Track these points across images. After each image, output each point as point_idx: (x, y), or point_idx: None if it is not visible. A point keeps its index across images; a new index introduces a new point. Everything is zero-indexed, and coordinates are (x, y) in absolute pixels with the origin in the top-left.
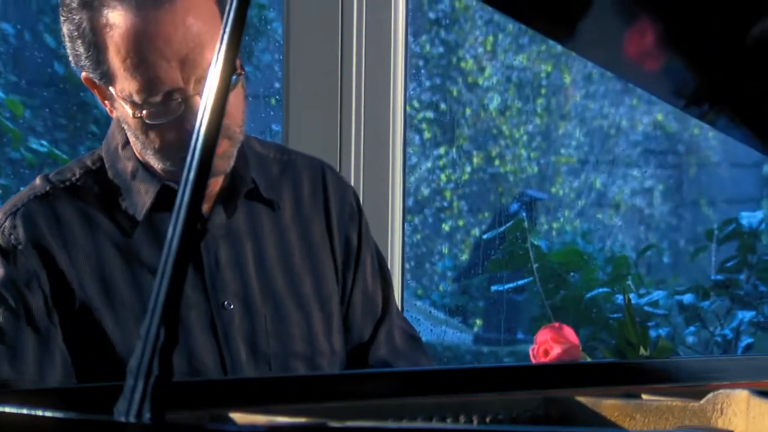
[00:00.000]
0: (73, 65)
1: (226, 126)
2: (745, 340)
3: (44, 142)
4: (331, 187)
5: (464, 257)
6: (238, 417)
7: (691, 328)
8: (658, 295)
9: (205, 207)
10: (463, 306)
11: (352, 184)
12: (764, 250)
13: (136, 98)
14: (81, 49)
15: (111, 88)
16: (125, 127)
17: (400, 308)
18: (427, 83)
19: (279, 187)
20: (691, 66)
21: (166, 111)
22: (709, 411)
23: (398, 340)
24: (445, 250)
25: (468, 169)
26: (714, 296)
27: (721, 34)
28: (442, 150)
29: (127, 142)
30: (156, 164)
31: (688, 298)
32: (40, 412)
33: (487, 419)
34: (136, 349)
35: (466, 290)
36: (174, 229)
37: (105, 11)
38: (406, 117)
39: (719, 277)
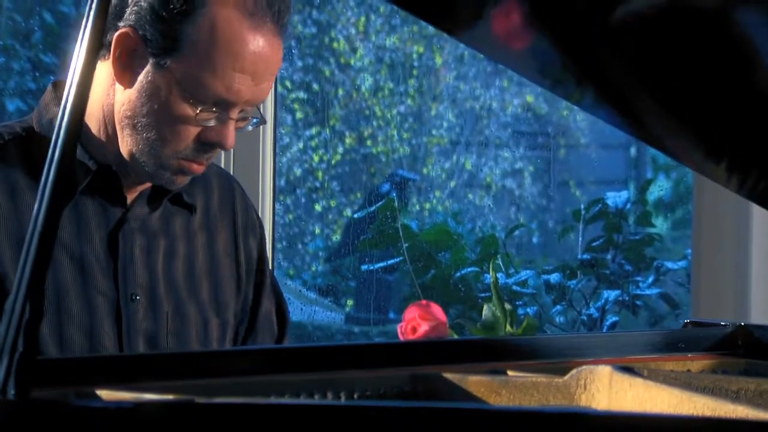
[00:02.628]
0: (117, 16)
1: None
2: (611, 319)
3: None
4: (239, 202)
5: (336, 237)
6: (105, 394)
7: (558, 308)
8: (526, 274)
9: (129, 198)
10: (334, 286)
11: (223, 164)
12: (630, 230)
13: (197, 90)
14: (170, 14)
15: (171, 63)
16: (139, 98)
17: None
18: (299, 63)
19: (192, 193)
20: (557, 45)
21: (202, 117)
22: (573, 387)
23: None
24: (317, 231)
25: (340, 149)
26: (581, 276)
27: (585, 13)
28: (314, 130)
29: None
30: (135, 145)
31: (555, 277)
32: None
33: (355, 395)
34: (1, 326)
35: (338, 270)
36: (40, 204)
37: (222, 8)
38: (278, 97)
39: (586, 256)
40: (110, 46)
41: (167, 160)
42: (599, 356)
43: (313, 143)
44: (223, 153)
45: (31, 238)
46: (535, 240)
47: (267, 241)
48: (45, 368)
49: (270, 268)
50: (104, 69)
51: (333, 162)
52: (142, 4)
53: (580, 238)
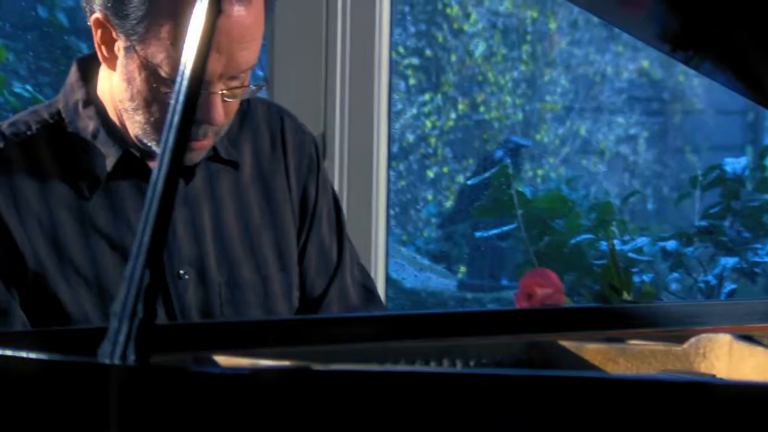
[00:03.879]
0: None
1: (220, 127)
2: (729, 287)
3: (28, 87)
4: (290, 138)
5: (449, 204)
6: (222, 360)
7: (675, 275)
8: (641, 241)
9: None
10: (447, 252)
11: (337, 131)
12: (748, 197)
13: (164, 71)
14: None
15: (137, 46)
16: (121, 82)
17: (384, 254)
18: (413, 29)
19: (239, 142)
20: (677, 10)
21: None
22: (692, 355)
23: (353, 296)
24: (430, 197)
25: (453, 115)
26: (698, 243)
27: None
28: (427, 96)
29: (88, 101)
30: (134, 129)
31: (671, 244)
32: (24, 354)
33: (471, 363)
34: (120, 292)
35: (451, 236)
36: (159, 169)
37: None
38: (392, 63)
39: (703, 223)
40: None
41: None
42: (718, 324)
43: (426, 109)
44: (338, 117)
45: (150, 203)
46: (649, 206)
47: (381, 206)
48: (163, 334)
49: (332, 200)
50: None
51: (446, 128)
52: None
53: (697, 205)
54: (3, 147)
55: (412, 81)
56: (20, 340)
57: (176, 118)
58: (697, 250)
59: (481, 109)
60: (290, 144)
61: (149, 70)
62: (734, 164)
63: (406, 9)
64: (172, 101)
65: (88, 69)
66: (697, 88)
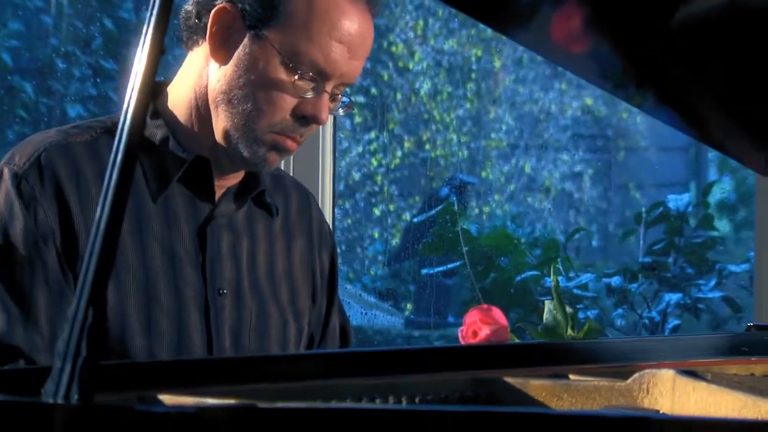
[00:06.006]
0: None
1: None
2: (672, 322)
3: None
4: (315, 213)
5: (395, 241)
6: (167, 399)
7: (620, 311)
8: (587, 278)
9: (218, 194)
10: (393, 290)
11: (282, 167)
12: (691, 233)
13: (296, 58)
14: None
15: (267, 33)
16: (234, 71)
17: None
18: None
19: (273, 197)
20: (618, 48)
21: (300, 85)
22: (636, 390)
23: None
24: (376, 234)
25: (399, 153)
26: (642, 279)
27: (647, 16)
28: (372, 134)
29: (157, 113)
30: (228, 122)
31: (616, 280)
32: None
33: (416, 400)
34: (64, 331)
35: (397, 274)
36: (102, 209)
37: None
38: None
39: (647, 259)
40: (205, 27)
41: (262, 134)
42: (662, 360)
43: (371, 147)
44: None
45: (93, 242)
46: (594, 243)
47: None
48: (107, 373)
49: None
50: (197, 54)
51: (392, 166)
52: None
53: (641, 241)
54: (69, 142)
55: (357, 119)
56: None
57: (119, 157)
58: (642, 287)
59: (427, 146)
60: (315, 218)
61: (281, 54)
62: (677, 201)
63: None
64: (114, 145)
65: (156, 88)
66: (640, 125)
